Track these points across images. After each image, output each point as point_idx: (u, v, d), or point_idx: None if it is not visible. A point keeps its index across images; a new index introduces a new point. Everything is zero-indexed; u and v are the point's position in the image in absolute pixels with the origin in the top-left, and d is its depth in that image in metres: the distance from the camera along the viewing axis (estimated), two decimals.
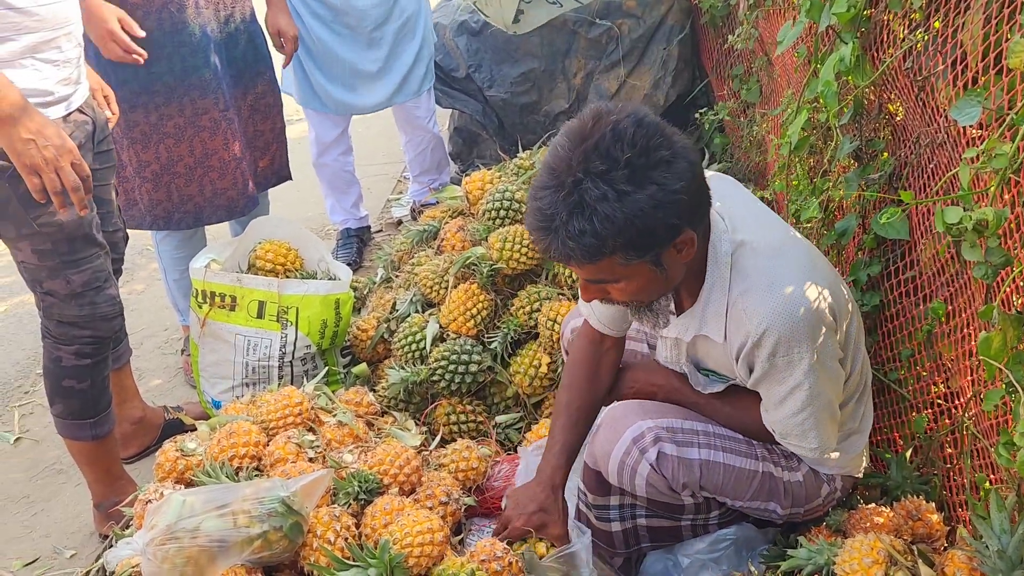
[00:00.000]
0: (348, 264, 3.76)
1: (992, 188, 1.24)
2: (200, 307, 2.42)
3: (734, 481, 1.71)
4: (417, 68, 3.59)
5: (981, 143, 1.47)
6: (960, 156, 1.58)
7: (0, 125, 1.79)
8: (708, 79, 3.86)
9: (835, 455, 1.72)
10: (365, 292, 3.17)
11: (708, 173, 1.74)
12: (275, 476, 1.81)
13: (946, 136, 1.61)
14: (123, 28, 2.39)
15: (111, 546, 2.10)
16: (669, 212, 1.36)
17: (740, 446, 1.73)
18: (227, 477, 1.82)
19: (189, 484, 1.89)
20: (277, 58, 3.09)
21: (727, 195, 1.67)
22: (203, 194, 2.77)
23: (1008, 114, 1.33)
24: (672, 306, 1.71)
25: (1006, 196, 1.34)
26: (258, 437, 1.94)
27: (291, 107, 6.11)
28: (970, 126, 1.45)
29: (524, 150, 3.33)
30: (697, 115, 3.47)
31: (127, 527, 2.01)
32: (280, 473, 1.80)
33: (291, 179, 3.19)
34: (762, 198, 2.84)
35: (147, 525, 1.62)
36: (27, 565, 2.37)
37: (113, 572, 1.69)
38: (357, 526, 1.78)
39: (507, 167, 2.98)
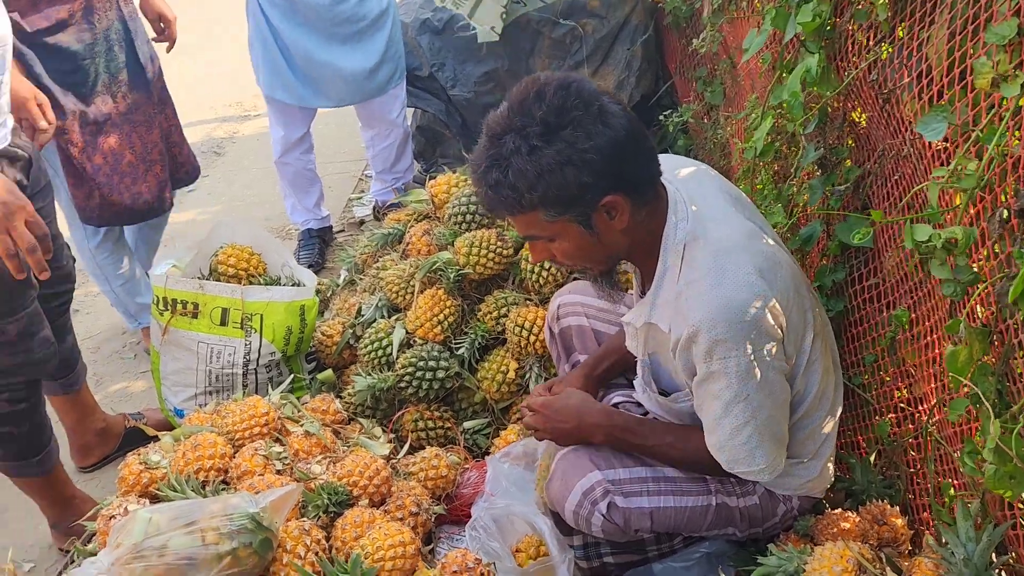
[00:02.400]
0: (310, 265, 3.72)
1: (960, 206, 1.26)
2: (161, 314, 2.37)
3: (687, 520, 1.73)
4: (384, 66, 3.55)
5: (946, 156, 1.50)
6: (925, 168, 1.61)
7: None
8: (672, 80, 3.88)
9: (794, 480, 1.73)
10: (328, 294, 3.14)
11: (690, 162, 1.78)
12: (243, 489, 1.78)
13: (911, 149, 1.63)
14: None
15: (72, 561, 2.05)
16: (580, 170, 1.41)
17: (690, 485, 1.73)
18: (193, 491, 1.78)
19: (153, 498, 1.85)
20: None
21: (701, 187, 1.66)
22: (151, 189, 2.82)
23: (973, 130, 1.35)
24: (640, 290, 1.73)
25: (971, 211, 1.36)
26: (224, 449, 1.91)
27: (249, 102, 6.07)
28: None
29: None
30: (662, 117, 3.49)
31: (89, 541, 1.96)
32: (248, 487, 1.77)
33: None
34: None
35: (111, 543, 1.58)
36: None
37: None
38: (327, 539, 1.77)
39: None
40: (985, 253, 1.36)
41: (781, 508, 1.79)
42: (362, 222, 4.23)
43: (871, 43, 1.78)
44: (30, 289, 1.97)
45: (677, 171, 1.71)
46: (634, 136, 1.47)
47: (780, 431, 1.60)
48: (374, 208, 4.15)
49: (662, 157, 1.65)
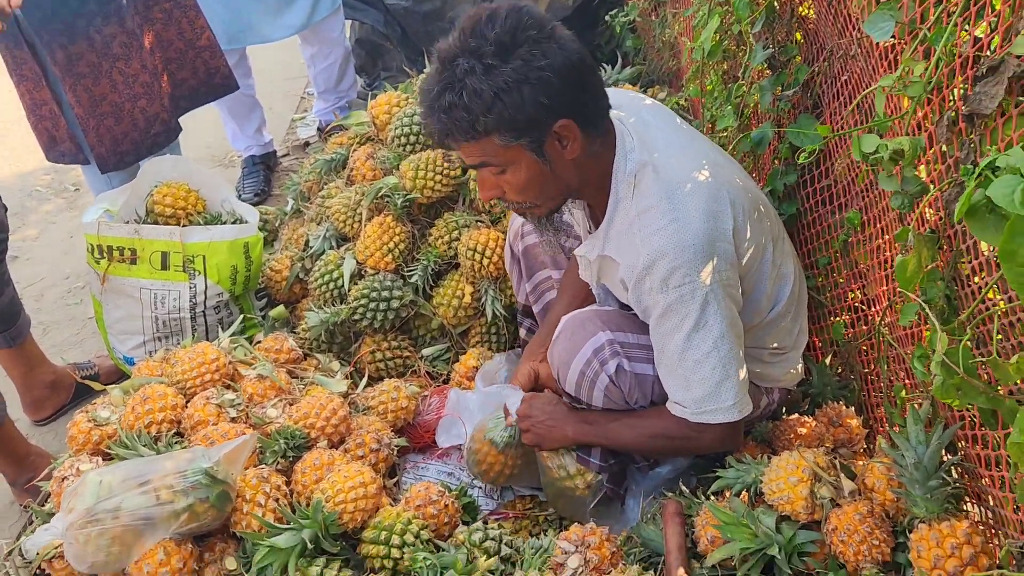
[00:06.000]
0: (256, 194, 3.61)
1: (907, 116, 1.21)
2: (98, 263, 2.27)
3: None
4: None
5: (894, 56, 1.45)
6: (873, 68, 1.55)
7: None
8: None
9: (777, 370, 1.75)
10: (276, 224, 3.04)
11: (632, 93, 1.77)
12: (196, 440, 1.75)
13: (858, 48, 1.57)
14: None
15: (31, 522, 2.02)
16: (536, 90, 1.38)
17: None
18: (145, 446, 1.74)
19: (105, 456, 1.81)
20: None
21: (648, 119, 1.65)
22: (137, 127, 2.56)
23: (920, 28, 1.29)
24: (590, 225, 1.72)
25: (919, 114, 1.32)
26: (175, 400, 1.86)
27: None
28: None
29: (430, 61, 3.18)
30: (608, 16, 3.35)
31: (45, 501, 1.93)
32: (202, 438, 1.74)
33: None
34: (676, 104, 2.80)
35: (64, 508, 1.55)
36: None
37: (31, 561, 1.63)
38: (287, 484, 1.75)
39: (413, 84, 2.84)
40: (934, 156, 1.33)
41: (764, 400, 1.83)
42: (307, 144, 4.09)
43: None
44: None
45: (624, 104, 1.67)
46: (586, 63, 1.46)
47: (742, 368, 1.56)
48: (318, 128, 4.01)
49: (609, 91, 1.59)
